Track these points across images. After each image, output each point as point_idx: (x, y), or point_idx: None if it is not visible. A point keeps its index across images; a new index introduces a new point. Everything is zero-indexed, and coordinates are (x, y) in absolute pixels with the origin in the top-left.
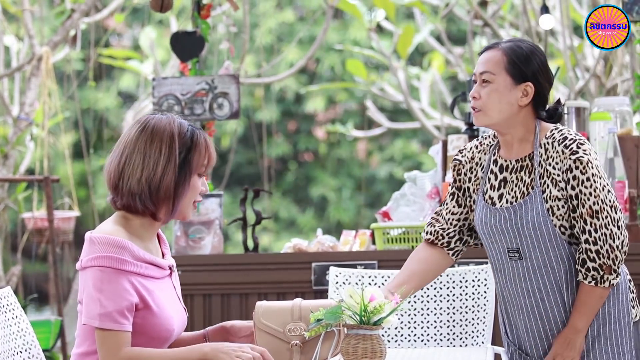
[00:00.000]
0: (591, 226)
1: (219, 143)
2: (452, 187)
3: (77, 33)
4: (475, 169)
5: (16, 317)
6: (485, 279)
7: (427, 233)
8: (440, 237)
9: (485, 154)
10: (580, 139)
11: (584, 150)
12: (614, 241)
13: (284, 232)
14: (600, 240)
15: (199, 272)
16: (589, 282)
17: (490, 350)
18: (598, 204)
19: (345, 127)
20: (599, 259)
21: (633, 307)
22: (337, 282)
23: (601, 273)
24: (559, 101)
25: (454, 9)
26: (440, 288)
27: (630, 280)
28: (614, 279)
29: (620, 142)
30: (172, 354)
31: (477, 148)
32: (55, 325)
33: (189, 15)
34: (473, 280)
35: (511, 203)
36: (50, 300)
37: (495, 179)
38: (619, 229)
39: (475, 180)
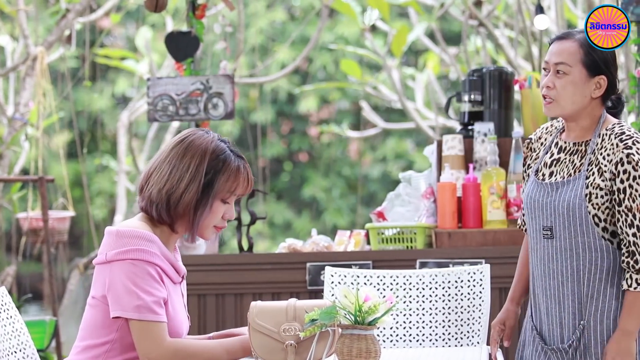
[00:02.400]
0: None
1: None
2: (523, 169)
3: (72, 33)
4: (539, 148)
5: (11, 317)
6: (481, 279)
7: (520, 225)
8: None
9: (550, 135)
10: (637, 137)
11: (638, 149)
12: None
13: (280, 237)
14: None
15: (193, 272)
16: (635, 287)
17: (485, 350)
18: None
19: (340, 128)
20: None
21: None
22: (332, 282)
23: None
24: (618, 91)
25: (449, 9)
26: (436, 288)
27: None
28: None
29: None
30: (218, 346)
31: (546, 129)
32: (50, 326)
33: (184, 15)
34: (469, 281)
35: (556, 180)
36: (44, 301)
37: (550, 157)
38: None
39: (535, 159)
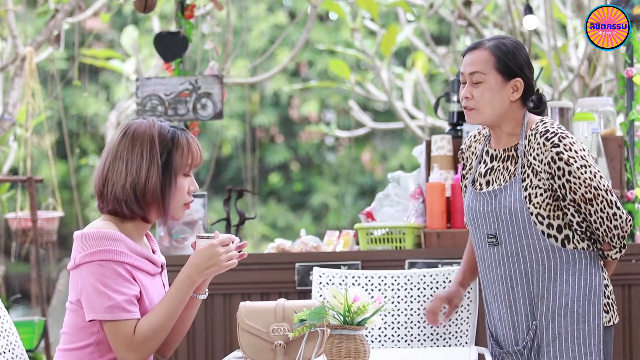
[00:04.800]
0: (586, 210)
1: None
2: (461, 180)
3: (60, 33)
4: (470, 158)
5: None
6: None
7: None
8: None
9: (480, 143)
10: (562, 133)
11: (565, 145)
12: (611, 222)
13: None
14: (596, 222)
15: None
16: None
17: (473, 350)
18: (591, 192)
19: (329, 127)
20: (598, 237)
21: (606, 312)
22: (320, 283)
23: (599, 249)
24: (538, 91)
25: (438, 9)
26: (424, 288)
27: (606, 286)
28: (614, 254)
29: (604, 143)
30: (169, 300)
31: (474, 138)
32: (39, 326)
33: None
34: None
35: (494, 188)
36: (33, 301)
37: (484, 167)
38: (618, 209)
39: (469, 169)
